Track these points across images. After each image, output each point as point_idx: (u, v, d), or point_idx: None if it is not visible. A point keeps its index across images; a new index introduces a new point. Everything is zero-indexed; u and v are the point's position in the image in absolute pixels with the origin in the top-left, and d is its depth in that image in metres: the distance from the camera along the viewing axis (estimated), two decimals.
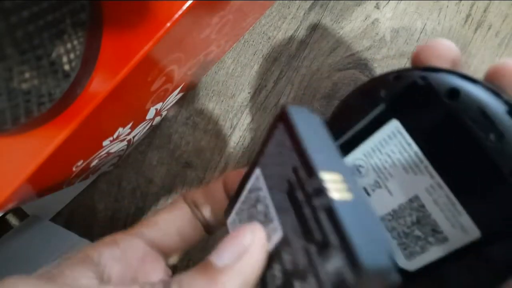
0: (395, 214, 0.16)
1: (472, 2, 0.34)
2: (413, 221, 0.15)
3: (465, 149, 0.14)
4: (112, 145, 0.27)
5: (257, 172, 0.15)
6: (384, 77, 0.16)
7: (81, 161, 0.24)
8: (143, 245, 0.17)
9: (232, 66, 0.34)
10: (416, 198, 0.15)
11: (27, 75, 0.16)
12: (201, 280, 0.13)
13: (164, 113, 0.33)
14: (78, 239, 0.29)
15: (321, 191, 0.11)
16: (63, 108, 0.18)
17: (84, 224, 0.35)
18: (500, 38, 0.34)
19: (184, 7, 0.18)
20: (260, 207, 0.14)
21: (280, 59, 0.34)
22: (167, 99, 0.29)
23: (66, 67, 0.17)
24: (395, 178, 0.16)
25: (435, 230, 0.15)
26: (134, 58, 0.18)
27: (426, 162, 0.15)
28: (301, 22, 0.34)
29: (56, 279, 0.13)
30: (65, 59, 0.17)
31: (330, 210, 0.10)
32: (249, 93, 0.34)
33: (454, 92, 0.14)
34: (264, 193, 0.14)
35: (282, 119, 0.13)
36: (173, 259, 0.19)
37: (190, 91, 0.34)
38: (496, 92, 0.14)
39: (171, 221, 0.18)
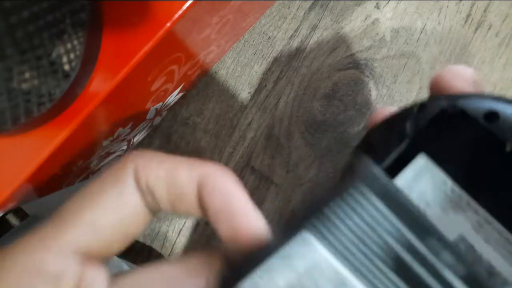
0: None
1: (472, 2, 0.34)
2: None
3: None
4: (112, 145, 0.27)
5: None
6: (408, 110, 0.15)
7: (81, 161, 0.24)
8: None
9: (232, 66, 0.34)
10: (462, 239, 0.13)
11: (27, 75, 0.16)
12: None
13: (164, 113, 0.33)
14: None
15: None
16: (63, 108, 0.18)
17: None
18: (500, 38, 0.34)
19: (184, 7, 0.18)
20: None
21: (280, 59, 0.34)
22: (167, 99, 0.29)
23: (66, 67, 0.17)
24: (434, 221, 0.14)
25: (491, 272, 0.13)
26: (134, 58, 0.18)
27: (466, 197, 0.13)
28: (301, 22, 0.34)
29: None
30: (65, 59, 0.17)
31: None
32: (249, 93, 0.34)
33: (493, 115, 0.13)
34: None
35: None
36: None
37: (190, 91, 0.34)
38: None
39: (116, 219, 0.13)
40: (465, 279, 0.12)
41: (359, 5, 0.34)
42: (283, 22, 0.34)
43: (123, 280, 0.13)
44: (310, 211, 0.13)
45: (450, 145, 0.14)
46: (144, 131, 0.32)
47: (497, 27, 0.34)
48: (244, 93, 0.34)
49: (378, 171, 0.13)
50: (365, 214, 0.12)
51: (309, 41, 0.34)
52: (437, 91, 0.15)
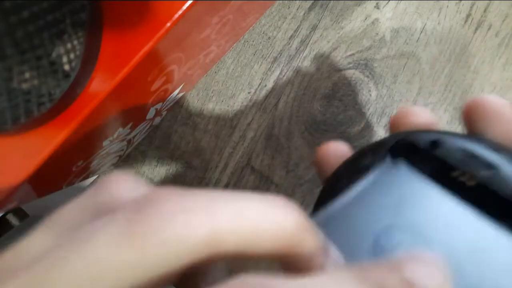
0: None
1: (472, 2, 0.34)
2: None
3: (460, 192, 0.14)
4: (112, 145, 0.27)
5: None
6: (369, 146, 0.17)
7: (81, 161, 0.24)
8: None
9: (232, 66, 0.34)
10: None
11: (27, 75, 0.16)
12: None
13: (164, 113, 0.33)
14: None
15: None
16: (63, 108, 0.18)
17: None
18: (500, 38, 0.34)
19: (184, 7, 0.18)
20: None
21: (280, 59, 0.34)
22: (167, 99, 0.29)
23: (66, 67, 0.17)
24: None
25: None
26: (134, 58, 0.18)
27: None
28: (301, 22, 0.34)
29: None
30: (65, 59, 0.17)
31: None
32: (249, 93, 0.34)
33: (436, 143, 0.15)
34: None
35: None
36: None
37: (190, 91, 0.34)
38: (472, 135, 0.15)
39: None
40: None
41: (359, 5, 0.34)
42: (283, 22, 0.34)
43: None
44: None
45: (404, 172, 0.15)
46: (144, 131, 0.32)
47: (497, 27, 0.34)
48: (244, 93, 0.34)
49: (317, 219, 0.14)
50: None
51: (309, 41, 0.34)
52: (396, 128, 0.17)
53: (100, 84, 0.19)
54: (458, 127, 0.34)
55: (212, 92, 0.34)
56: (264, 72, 0.34)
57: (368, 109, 0.34)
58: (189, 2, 0.18)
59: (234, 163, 0.34)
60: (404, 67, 0.34)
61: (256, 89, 0.34)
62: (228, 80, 0.34)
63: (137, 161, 0.34)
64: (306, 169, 0.33)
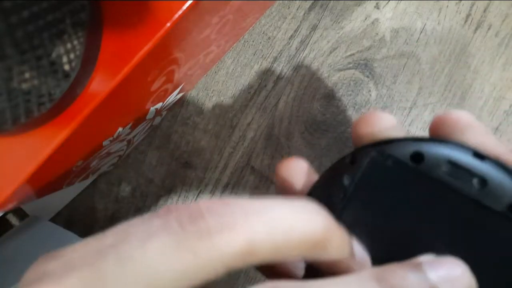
0: None
1: (472, 2, 0.34)
2: None
3: (452, 207, 0.13)
4: (112, 145, 0.27)
5: None
6: (341, 163, 0.15)
7: (81, 161, 0.24)
8: None
9: (232, 66, 0.34)
10: None
11: (27, 75, 0.16)
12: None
13: (164, 113, 0.33)
14: (78, 239, 0.29)
15: None
16: (63, 108, 0.18)
17: (84, 224, 0.35)
18: (500, 38, 0.34)
19: (184, 7, 0.18)
20: None
21: (280, 59, 0.34)
22: (167, 99, 0.29)
23: (66, 67, 0.17)
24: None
25: None
26: (134, 58, 0.18)
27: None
28: (301, 22, 0.34)
29: None
30: (65, 59, 0.17)
31: None
32: (249, 93, 0.34)
33: (418, 156, 0.14)
34: None
35: None
36: None
37: (190, 91, 0.34)
38: (454, 142, 0.14)
39: None
40: None
41: (359, 5, 0.34)
42: (283, 22, 0.34)
43: None
44: None
45: (385, 188, 0.14)
46: (144, 131, 0.32)
47: (497, 27, 0.34)
48: (244, 93, 0.34)
49: None
50: None
51: (309, 41, 0.34)
52: (360, 138, 0.16)
53: (100, 84, 0.19)
54: None
55: (212, 92, 0.34)
56: (264, 72, 0.34)
57: (368, 109, 0.34)
58: (189, 2, 0.18)
59: (234, 163, 0.34)
60: (404, 67, 0.34)
61: (256, 89, 0.34)
62: (228, 80, 0.34)
63: (137, 161, 0.34)
64: None
